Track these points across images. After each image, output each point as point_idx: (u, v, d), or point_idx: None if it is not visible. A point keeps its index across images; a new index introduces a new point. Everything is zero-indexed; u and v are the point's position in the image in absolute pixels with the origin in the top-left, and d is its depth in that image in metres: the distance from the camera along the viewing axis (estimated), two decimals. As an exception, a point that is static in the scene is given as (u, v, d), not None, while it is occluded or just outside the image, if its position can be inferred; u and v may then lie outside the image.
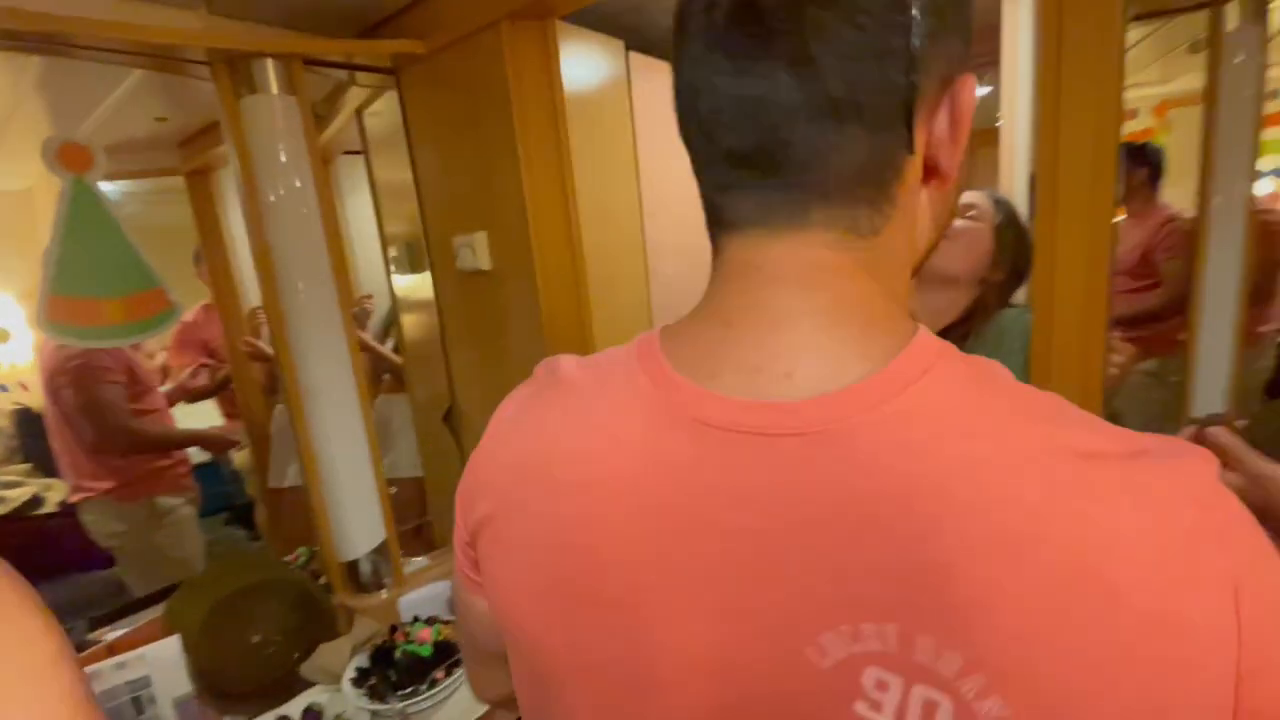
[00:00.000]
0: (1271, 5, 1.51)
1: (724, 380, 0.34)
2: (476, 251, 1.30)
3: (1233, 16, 1.49)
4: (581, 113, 1.26)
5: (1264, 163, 1.91)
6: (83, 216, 1.08)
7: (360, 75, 1.39)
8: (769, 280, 0.35)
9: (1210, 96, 1.54)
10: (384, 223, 1.66)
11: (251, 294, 2.30)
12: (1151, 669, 0.26)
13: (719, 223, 0.38)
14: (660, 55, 1.49)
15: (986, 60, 1.66)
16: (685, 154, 0.38)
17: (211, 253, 2.37)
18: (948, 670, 0.28)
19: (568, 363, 0.44)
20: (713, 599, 0.33)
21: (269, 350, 2.13)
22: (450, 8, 1.21)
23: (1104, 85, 0.74)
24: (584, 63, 1.29)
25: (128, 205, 2.50)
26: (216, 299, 2.36)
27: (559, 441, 0.39)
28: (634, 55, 1.39)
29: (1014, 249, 0.97)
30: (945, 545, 0.28)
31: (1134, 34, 1.92)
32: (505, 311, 1.33)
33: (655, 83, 1.45)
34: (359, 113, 1.61)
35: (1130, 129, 3.24)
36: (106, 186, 1.13)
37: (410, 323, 1.72)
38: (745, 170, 0.34)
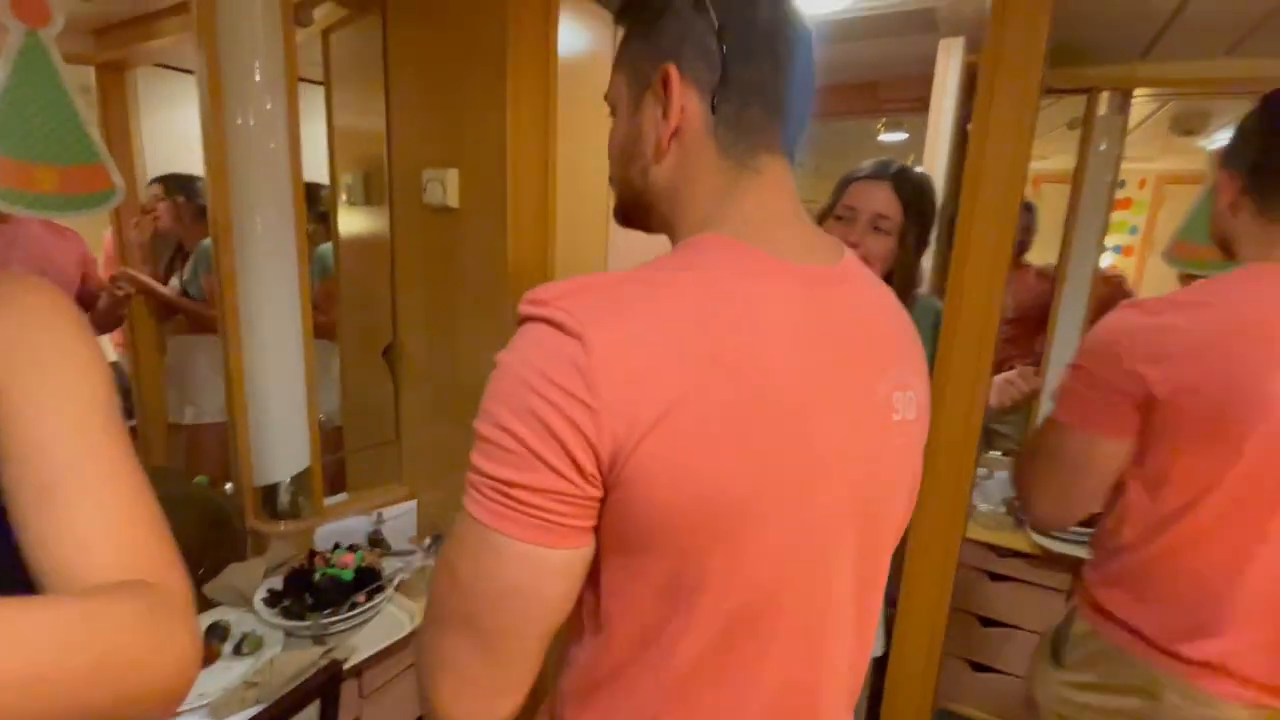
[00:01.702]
0: (1133, 100, 1.86)
1: (804, 258, 0.53)
2: (446, 188, 1.33)
3: (1103, 103, 1.82)
4: (568, 74, 1.32)
5: (1110, 239, 2.35)
6: (30, 73, 1.01)
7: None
8: (788, 190, 0.55)
9: (1077, 177, 1.87)
10: (337, 150, 1.63)
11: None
12: (927, 376, 0.60)
13: (771, 149, 0.54)
14: (641, 39, 1.59)
15: (916, 105, 1.90)
16: None
17: (116, 162, 2.16)
18: (912, 381, 0.56)
19: (596, 287, 0.46)
20: (840, 390, 0.50)
21: (155, 285, 1.98)
22: (456, -52, 1.24)
23: (1018, 148, 0.92)
24: (577, 29, 1.35)
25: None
26: (116, 214, 2.15)
27: (721, 320, 0.46)
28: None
29: (914, 196, 1.13)
30: (899, 325, 0.58)
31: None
32: (467, 250, 1.36)
33: (635, 63, 1.54)
34: (325, 33, 1.58)
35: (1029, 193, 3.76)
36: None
37: (349, 258, 1.69)
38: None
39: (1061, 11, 1.49)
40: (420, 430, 1.56)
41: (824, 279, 0.52)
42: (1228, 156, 0.88)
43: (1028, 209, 2.19)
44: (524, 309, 0.46)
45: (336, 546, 1.34)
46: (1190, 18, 1.50)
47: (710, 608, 0.47)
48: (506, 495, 0.44)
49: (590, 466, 0.43)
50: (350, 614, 1.19)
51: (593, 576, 0.49)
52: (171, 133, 2.22)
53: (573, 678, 0.54)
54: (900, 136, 2.81)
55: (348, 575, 1.25)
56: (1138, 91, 1.86)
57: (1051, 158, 2.67)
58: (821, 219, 1.20)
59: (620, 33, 0.57)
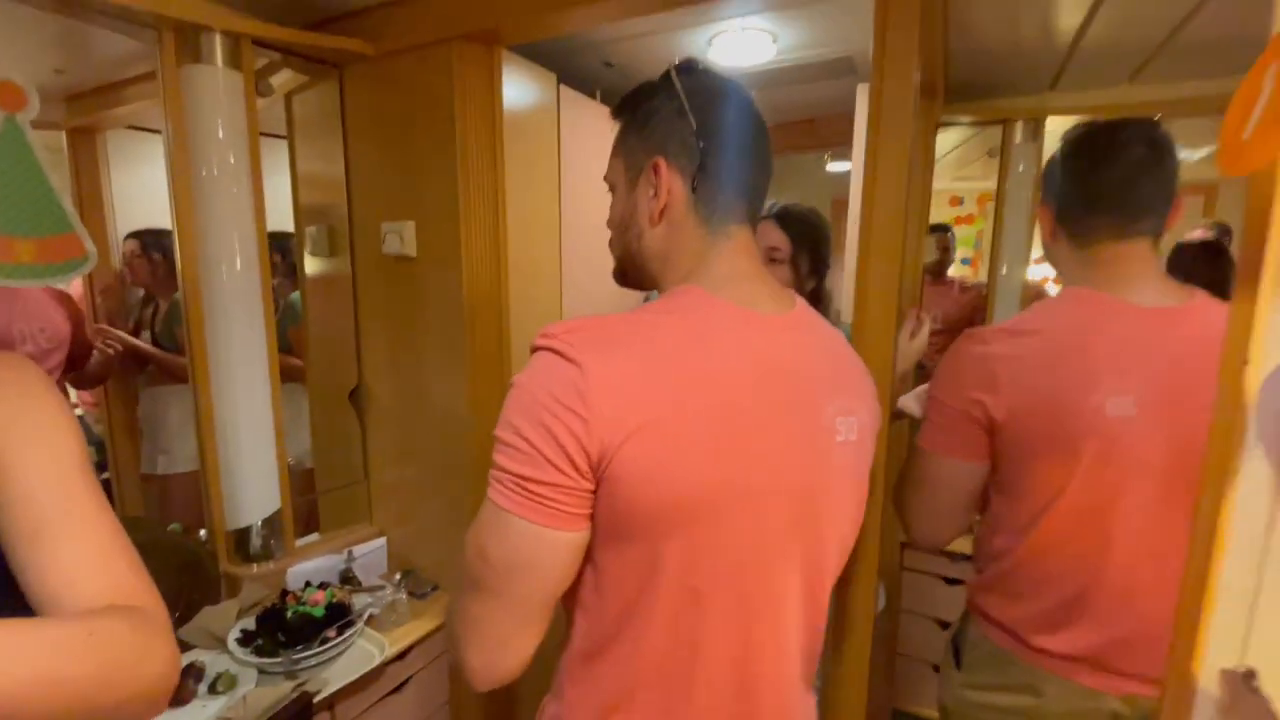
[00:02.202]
0: (1046, 129, 2.01)
1: (764, 307, 0.65)
2: (404, 238, 1.42)
3: (1019, 131, 1.97)
4: (514, 131, 1.43)
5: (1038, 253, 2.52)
6: (8, 154, 1.09)
7: (297, 61, 1.47)
8: (751, 252, 0.68)
9: (999, 198, 2.01)
10: (301, 203, 1.71)
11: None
12: (877, 405, 0.73)
13: (740, 221, 0.67)
14: (586, 92, 1.71)
15: (849, 139, 2.04)
16: (600, 177, 0.70)
17: (88, 219, 2.23)
18: (854, 407, 0.67)
19: (594, 326, 0.58)
20: (785, 414, 0.62)
21: (133, 341, 2.03)
22: (404, 20, 1.35)
23: (899, 176, 1.02)
24: (521, 88, 1.46)
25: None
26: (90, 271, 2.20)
27: (695, 355, 0.59)
28: (564, 89, 1.59)
29: (798, 229, 1.30)
30: (845, 360, 0.72)
31: (956, 136, 2.42)
32: (426, 296, 1.44)
33: (580, 112, 1.66)
34: (288, 96, 1.67)
35: (958, 213, 3.94)
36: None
37: (316, 306, 1.76)
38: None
39: (964, 52, 1.63)
40: (387, 470, 1.62)
41: (779, 324, 0.65)
42: (1043, 192, 0.99)
43: (945, 230, 2.34)
44: (537, 341, 0.59)
45: (308, 585, 1.39)
46: (1089, 51, 1.65)
47: (672, 586, 0.59)
48: (522, 487, 0.56)
49: (584, 465, 0.55)
50: (321, 649, 1.24)
51: (591, 559, 0.61)
52: (142, 190, 2.30)
53: (571, 654, 0.65)
54: (845, 166, 2.97)
55: (319, 612, 1.30)
56: (1052, 119, 2.01)
57: (991, 178, 2.85)
58: None
59: (617, 126, 0.71)
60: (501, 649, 0.60)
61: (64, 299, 2.00)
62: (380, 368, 1.57)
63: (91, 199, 2.24)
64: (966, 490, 0.96)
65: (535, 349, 0.59)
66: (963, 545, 1.82)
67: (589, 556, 0.61)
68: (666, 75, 0.68)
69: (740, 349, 0.61)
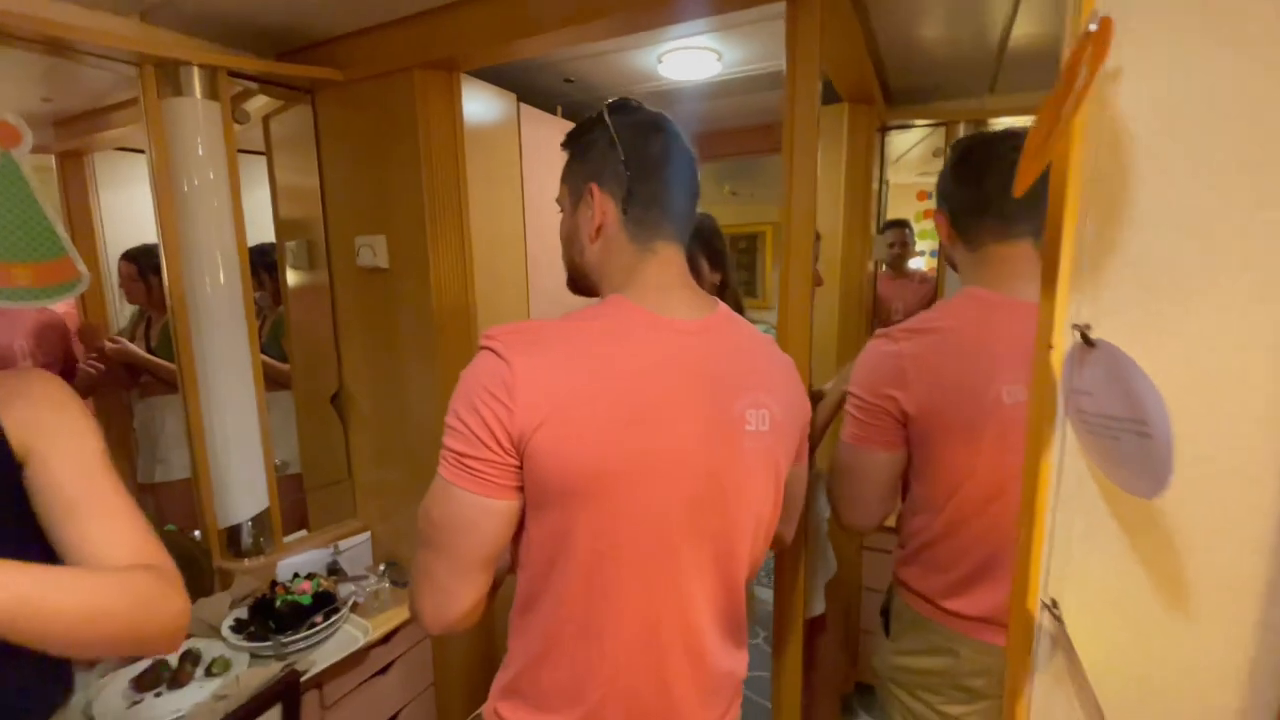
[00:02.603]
0: (992, 125, 2.12)
1: (680, 313, 0.75)
2: (376, 251, 1.52)
3: (962, 132, 2.08)
4: (478, 147, 1.53)
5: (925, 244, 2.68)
6: (4, 188, 1.19)
7: (272, 88, 1.57)
8: (676, 266, 0.78)
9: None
10: (281, 219, 1.81)
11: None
12: (800, 399, 0.84)
13: (667, 239, 0.77)
14: (545, 108, 1.81)
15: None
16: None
17: (78, 238, 2.32)
18: (765, 401, 0.76)
19: (526, 329, 0.69)
20: (691, 402, 0.72)
21: (137, 350, 2.13)
22: (369, 49, 1.45)
23: (808, 182, 1.13)
24: (482, 108, 1.57)
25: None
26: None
27: (609, 355, 0.70)
28: (524, 106, 1.69)
29: (702, 242, 1.40)
30: (762, 360, 0.80)
31: (916, 134, 2.52)
32: (399, 305, 1.54)
33: (540, 128, 1.76)
34: (265, 119, 1.77)
35: (926, 206, 4.07)
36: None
37: (299, 315, 1.86)
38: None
39: (900, 60, 1.74)
40: (369, 468, 1.72)
41: (693, 328, 0.76)
42: (937, 199, 1.08)
43: (904, 226, 2.45)
44: (481, 341, 0.70)
45: (295, 576, 1.50)
46: (1022, 55, 1.76)
47: (580, 552, 0.70)
48: (461, 462, 0.67)
49: (508, 445, 0.66)
50: (309, 633, 1.35)
51: (524, 525, 0.72)
52: (130, 208, 2.39)
53: (514, 610, 0.77)
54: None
55: (306, 600, 1.41)
56: (995, 121, 2.12)
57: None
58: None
59: (566, 156, 0.83)
60: (446, 596, 0.71)
61: (54, 318, 2.11)
62: (359, 373, 1.67)
63: (81, 219, 2.33)
64: (886, 478, 1.05)
65: (479, 347, 0.70)
66: (917, 524, 1.93)
67: (523, 523, 0.72)
68: (601, 113, 0.78)
69: (650, 350, 0.72)
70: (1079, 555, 0.67)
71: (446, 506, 0.69)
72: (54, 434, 0.65)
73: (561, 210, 0.84)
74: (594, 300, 0.80)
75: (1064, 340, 0.63)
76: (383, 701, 1.52)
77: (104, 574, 0.59)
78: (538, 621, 0.73)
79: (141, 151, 1.93)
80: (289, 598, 1.41)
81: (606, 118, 0.78)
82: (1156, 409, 0.53)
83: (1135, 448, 0.56)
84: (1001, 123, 2.12)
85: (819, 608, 1.58)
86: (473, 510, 0.68)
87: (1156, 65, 0.56)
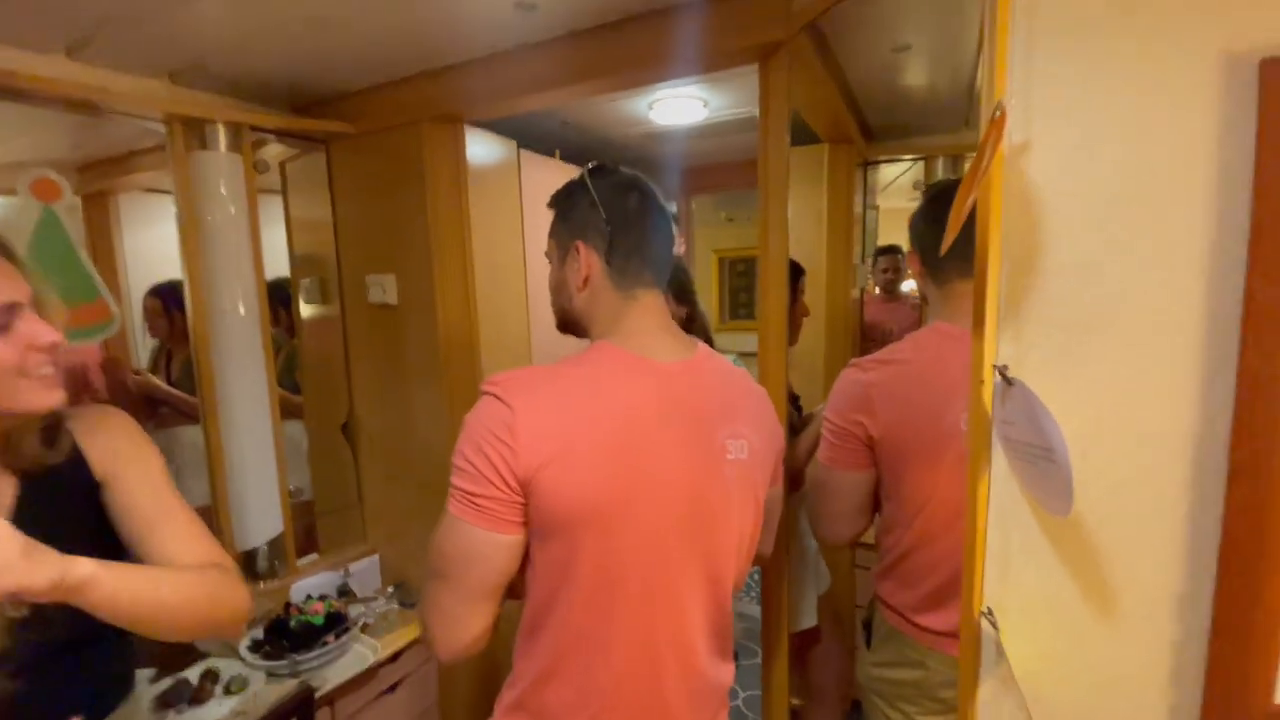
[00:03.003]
0: (969, 161, 2.21)
1: (663, 355, 0.83)
2: (386, 289, 1.62)
3: (940, 166, 2.18)
4: (480, 190, 1.64)
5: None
6: (47, 237, 1.30)
7: (289, 139, 1.69)
8: (657, 311, 0.86)
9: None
10: (297, 258, 1.92)
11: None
12: (774, 428, 0.93)
13: (647, 286, 0.85)
14: (543, 152, 1.92)
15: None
16: None
17: (103, 275, 2.43)
18: (743, 432, 0.85)
19: (524, 376, 0.77)
20: (678, 436, 0.79)
21: (159, 383, 2.24)
22: (380, 104, 1.56)
23: (780, 205, 1.22)
24: (484, 154, 1.68)
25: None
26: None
27: (600, 397, 0.77)
28: (524, 151, 1.81)
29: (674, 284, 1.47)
30: (739, 394, 0.89)
31: (902, 165, 2.62)
32: (407, 339, 1.64)
33: (539, 172, 1.88)
34: (282, 164, 1.89)
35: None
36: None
37: (312, 349, 1.96)
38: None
39: (876, 101, 1.85)
40: (378, 493, 1.81)
41: (676, 369, 0.83)
42: (910, 239, 1.17)
43: (896, 252, 2.55)
44: (482, 387, 0.77)
45: (308, 598, 1.57)
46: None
47: (583, 578, 0.77)
48: (469, 500, 0.74)
49: (514, 483, 0.73)
50: (321, 651, 1.42)
51: (529, 556, 0.78)
52: (154, 246, 2.50)
53: (520, 634, 0.84)
54: (802, 194, 3.19)
55: (319, 620, 1.48)
56: (970, 155, 2.23)
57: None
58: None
59: (552, 215, 0.92)
60: (456, 625, 0.78)
61: (77, 354, 2.21)
62: (369, 402, 1.76)
63: (105, 258, 2.44)
64: (857, 496, 1.13)
65: (481, 393, 0.77)
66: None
67: (528, 554, 0.78)
68: (582, 176, 0.87)
69: (638, 390, 0.80)
70: (1016, 567, 0.75)
71: (457, 541, 0.75)
72: (129, 461, 0.76)
73: (550, 263, 0.92)
74: (584, 343, 0.88)
75: (990, 378, 0.71)
76: (390, 718, 1.58)
77: (187, 572, 0.71)
78: (544, 642, 0.79)
79: (164, 193, 2.06)
80: (302, 618, 1.48)
81: (587, 181, 0.86)
82: (1058, 439, 0.62)
83: (1046, 471, 0.64)
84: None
85: (808, 621, 1.64)
86: (482, 544, 0.74)
87: (1059, 141, 0.66)
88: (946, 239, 0.67)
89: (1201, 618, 0.64)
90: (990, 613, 0.71)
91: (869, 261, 2.48)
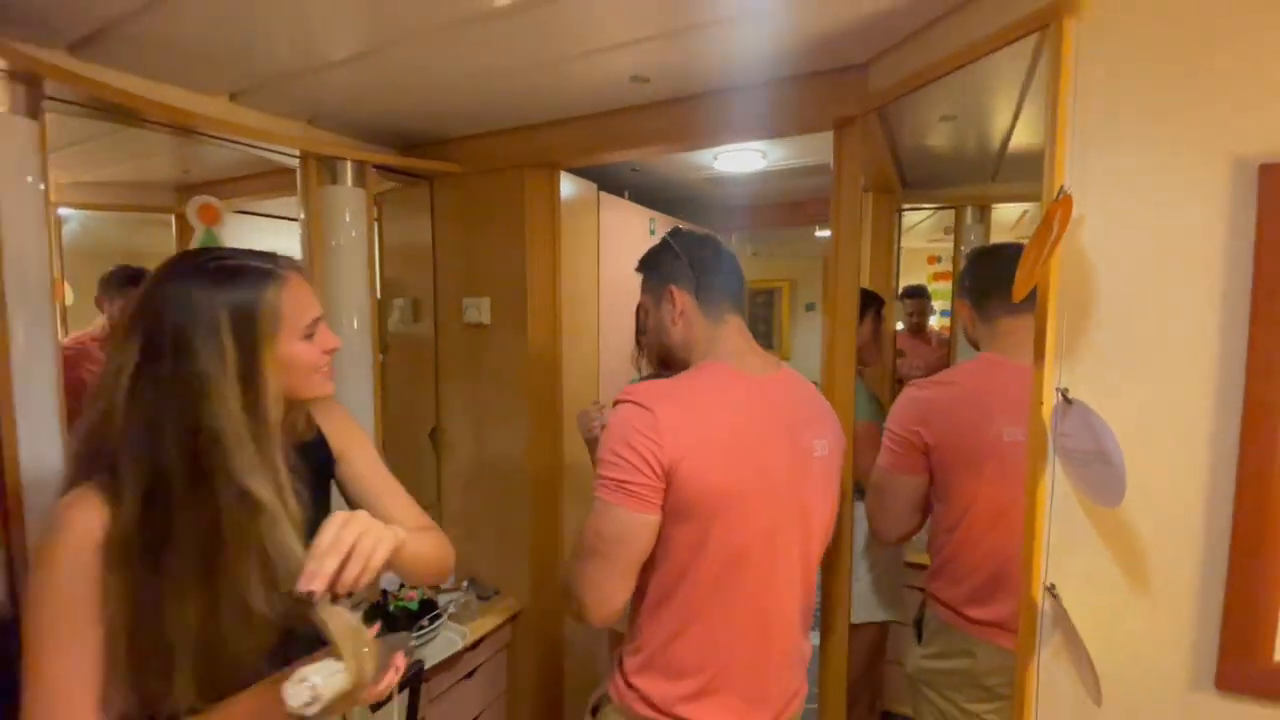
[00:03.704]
0: (994, 210, 2.43)
1: (758, 370, 1.03)
2: (481, 310, 1.82)
3: (969, 214, 2.40)
4: (566, 226, 1.85)
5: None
6: (208, 257, 1.49)
7: (398, 175, 1.90)
8: (743, 333, 1.07)
9: (955, 265, 2.44)
10: (386, 281, 2.12)
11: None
12: (841, 432, 1.14)
13: (731, 312, 1.06)
14: (614, 191, 2.14)
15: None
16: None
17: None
18: (823, 433, 1.06)
19: (657, 387, 0.95)
20: (778, 436, 0.98)
21: None
22: (485, 150, 1.78)
23: (852, 251, 1.42)
24: (570, 194, 1.89)
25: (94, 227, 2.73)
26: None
27: (717, 403, 0.95)
28: (603, 194, 2.03)
29: None
30: (815, 402, 1.11)
31: (925, 211, 2.84)
32: (496, 356, 1.83)
33: (613, 211, 2.09)
34: (378, 195, 2.10)
35: (935, 269, 4.39)
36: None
37: (397, 362, 2.15)
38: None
39: (915, 156, 2.07)
40: (456, 496, 1.98)
41: (769, 381, 1.03)
42: (959, 291, 1.38)
43: (922, 295, 2.76)
44: (620, 397, 0.95)
45: (401, 586, 1.73)
46: (1017, 154, 2.08)
47: (713, 555, 0.93)
48: (621, 487, 0.90)
49: (660, 471, 0.89)
50: (419, 633, 1.58)
51: (660, 536, 0.93)
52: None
53: (644, 605, 0.99)
54: (829, 233, 3.42)
55: (414, 606, 1.64)
56: (996, 205, 2.45)
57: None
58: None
59: (641, 276, 1.13)
60: (610, 595, 0.93)
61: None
62: (455, 412, 1.94)
63: (193, 272, 2.65)
64: (912, 497, 1.31)
65: (618, 403, 0.95)
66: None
67: (659, 534, 0.94)
68: (665, 240, 1.10)
69: (745, 398, 0.99)
70: (1067, 553, 0.93)
71: (610, 524, 0.91)
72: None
73: (645, 314, 1.13)
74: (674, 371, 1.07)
75: (1051, 398, 0.90)
76: (469, 702, 1.72)
77: (429, 532, 0.89)
78: (673, 607, 0.96)
79: (252, 213, 2.30)
80: (399, 604, 1.64)
81: (670, 241, 1.09)
82: (1114, 446, 0.80)
83: (1100, 473, 0.82)
84: (1000, 207, 2.45)
85: (860, 615, 1.78)
86: (630, 524, 0.90)
87: (1105, 217, 0.86)
88: (1019, 290, 0.86)
89: (1217, 594, 0.82)
90: (1053, 587, 0.89)
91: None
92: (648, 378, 1.11)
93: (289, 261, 0.79)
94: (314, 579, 0.64)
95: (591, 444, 1.55)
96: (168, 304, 0.69)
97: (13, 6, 1.09)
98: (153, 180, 2.54)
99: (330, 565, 0.65)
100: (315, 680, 0.63)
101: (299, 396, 0.81)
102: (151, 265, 2.21)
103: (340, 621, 0.66)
